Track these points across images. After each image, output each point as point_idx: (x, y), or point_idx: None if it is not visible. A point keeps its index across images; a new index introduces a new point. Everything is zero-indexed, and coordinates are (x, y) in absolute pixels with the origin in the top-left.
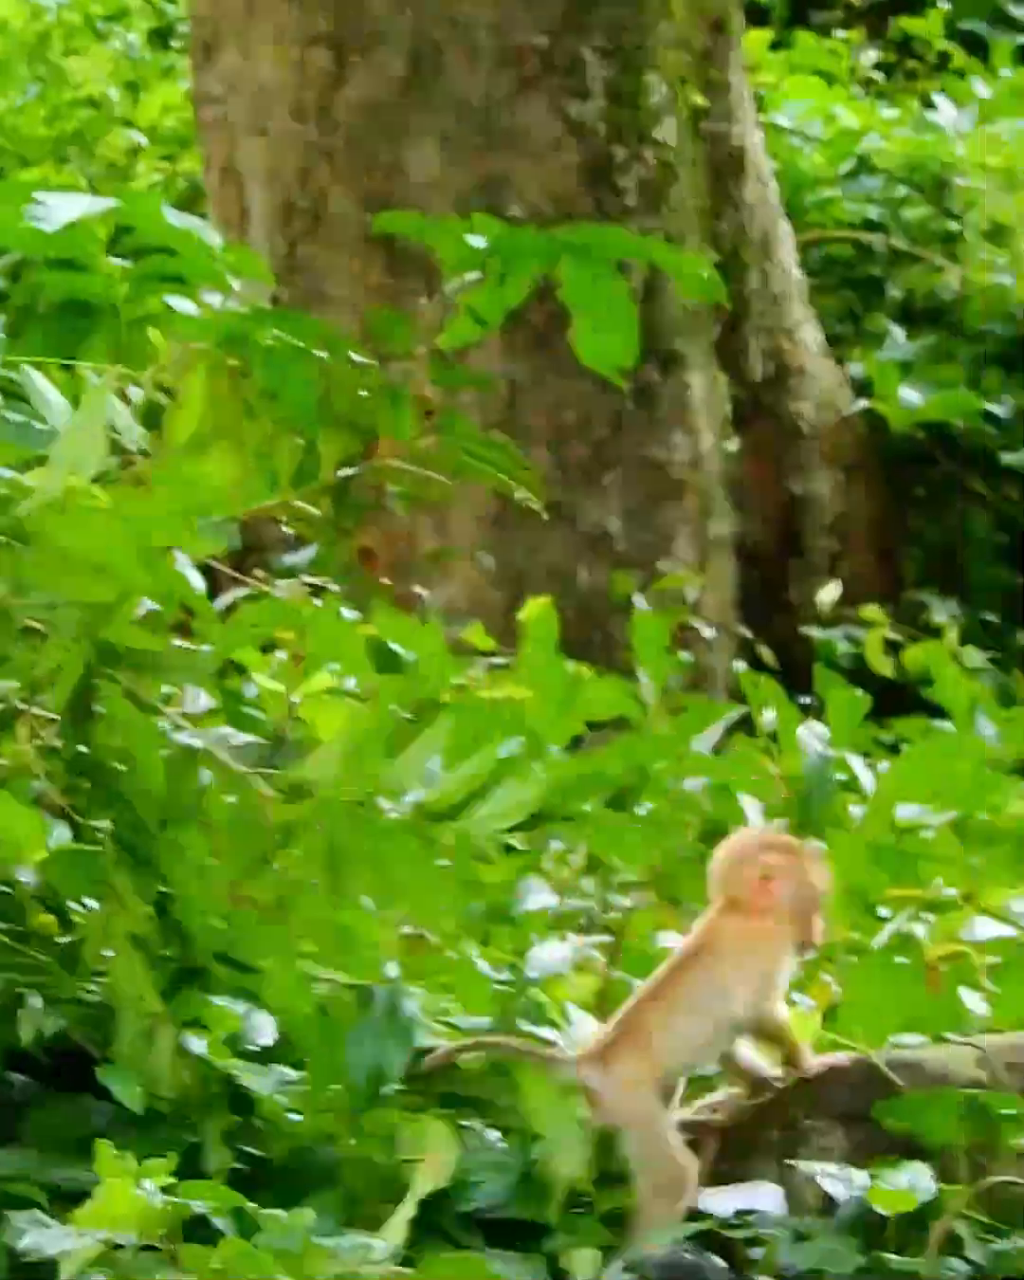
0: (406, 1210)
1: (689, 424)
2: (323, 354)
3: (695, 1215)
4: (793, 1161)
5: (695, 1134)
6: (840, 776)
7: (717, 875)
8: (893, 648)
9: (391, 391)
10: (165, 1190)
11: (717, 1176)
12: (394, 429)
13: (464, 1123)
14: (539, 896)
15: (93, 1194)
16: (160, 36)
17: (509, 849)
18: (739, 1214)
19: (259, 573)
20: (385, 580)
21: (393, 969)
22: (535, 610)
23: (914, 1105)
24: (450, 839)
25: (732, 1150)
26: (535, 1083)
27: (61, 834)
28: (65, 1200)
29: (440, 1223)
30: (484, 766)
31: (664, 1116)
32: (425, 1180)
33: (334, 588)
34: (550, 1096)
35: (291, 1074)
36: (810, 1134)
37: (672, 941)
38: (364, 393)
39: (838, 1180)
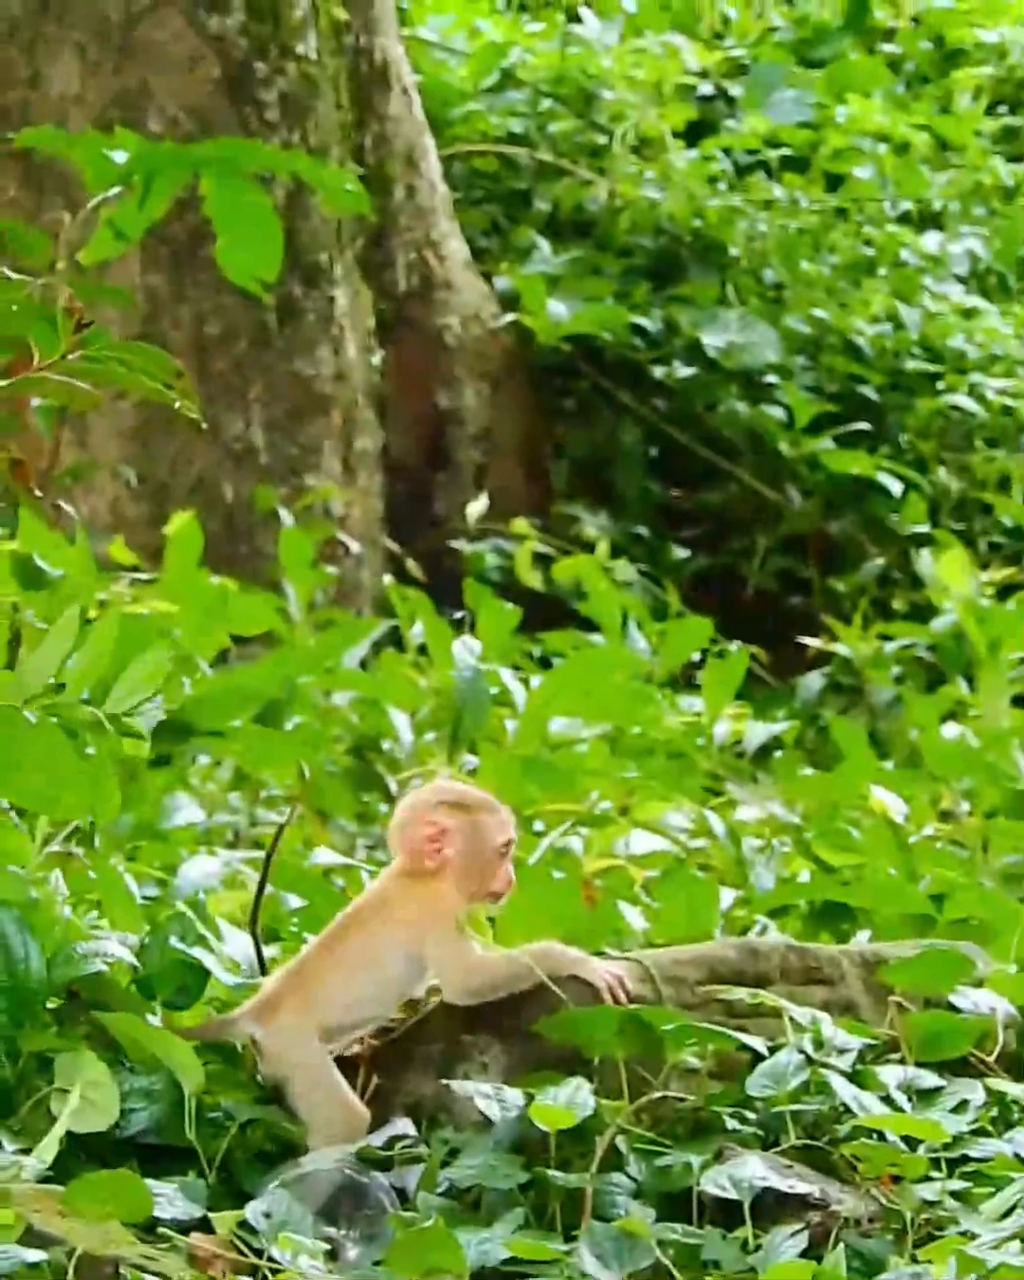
0: (57, 1131)
1: (334, 338)
2: None
3: None
4: (449, 1080)
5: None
6: (493, 690)
7: (392, 834)
8: (543, 561)
9: (40, 306)
10: None
11: (376, 1097)
12: (43, 341)
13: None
14: (187, 811)
15: None
16: None
17: (157, 763)
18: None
19: None
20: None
21: (56, 882)
22: (180, 524)
23: (575, 1020)
24: (89, 722)
25: (389, 1067)
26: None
27: None
28: None
29: (97, 1147)
30: (146, 674)
31: (327, 1066)
32: (79, 1114)
33: None
34: (157, 1031)
35: None
36: (471, 1050)
37: (323, 858)
38: (12, 307)
39: (492, 1099)
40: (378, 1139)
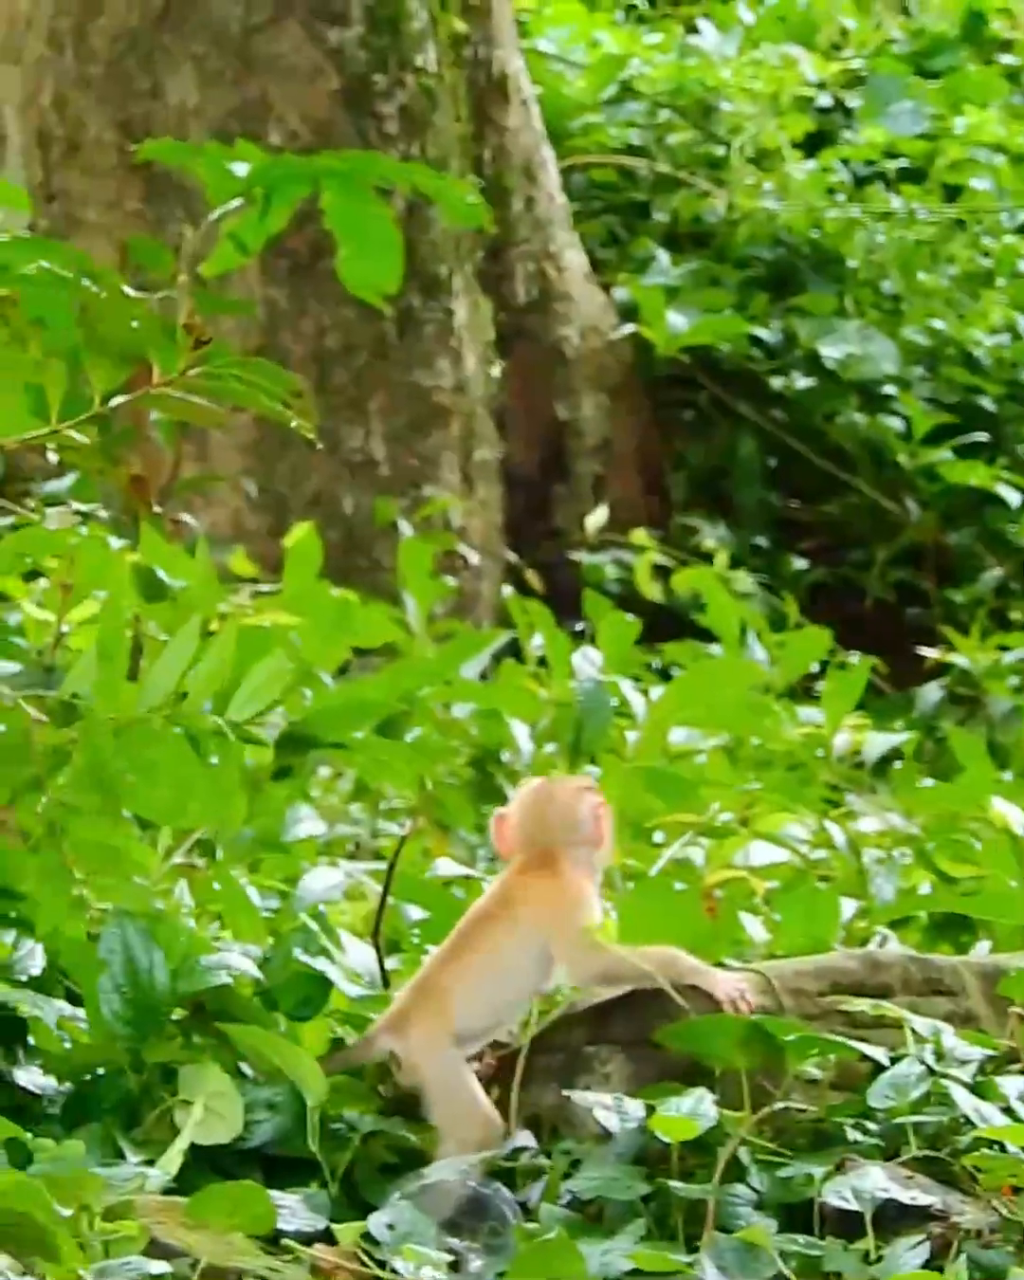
0: (181, 1143)
1: (453, 349)
2: (89, 283)
3: None
4: (571, 1092)
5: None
6: (613, 701)
7: (548, 822)
8: (662, 572)
9: (160, 320)
10: None
11: (501, 1106)
12: (163, 358)
13: (240, 1064)
14: (308, 824)
15: None
16: None
17: (278, 775)
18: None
19: (28, 502)
20: (154, 508)
21: (181, 893)
22: (299, 536)
23: (696, 1030)
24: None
25: (509, 1080)
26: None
27: None
28: None
29: (220, 1159)
30: (267, 683)
31: (463, 1074)
32: (203, 1126)
33: (101, 515)
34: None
35: (67, 1007)
36: (592, 1061)
37: (444, 869)
38: (133, 322)
39: (611, 1111)
40: (501, 1151)
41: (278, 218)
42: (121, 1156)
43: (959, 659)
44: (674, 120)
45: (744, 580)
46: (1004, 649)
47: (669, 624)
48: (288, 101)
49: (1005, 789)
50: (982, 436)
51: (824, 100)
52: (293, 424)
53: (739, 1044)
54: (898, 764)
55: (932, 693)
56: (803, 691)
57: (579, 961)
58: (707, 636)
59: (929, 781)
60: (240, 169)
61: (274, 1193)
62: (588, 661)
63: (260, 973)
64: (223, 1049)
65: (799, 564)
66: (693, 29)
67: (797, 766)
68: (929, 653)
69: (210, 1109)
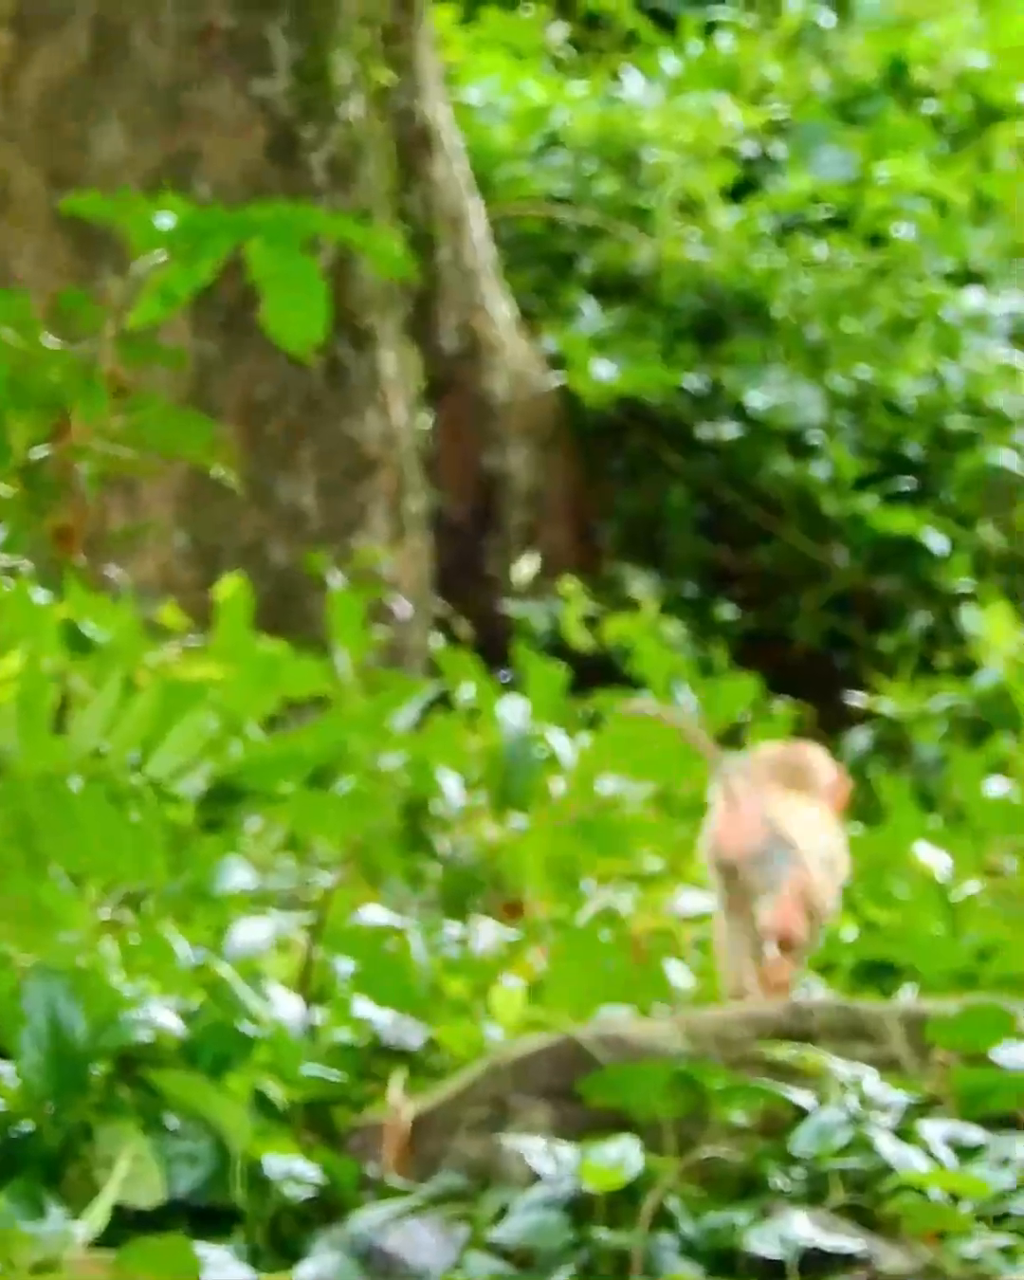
0: (105, 1201)
1: (382, 400)
2: (12, 334)
3: (403, 1193)
4: (501, 1138)
5: (373, 1138)
6: (541, 751)
7: (824, 768)
8: (591, 621)
9: (84, 371)
10: None
11: (421, 1159)
12: (87, 409)
13: (165, 1114)
14: (238, 876)
15: None
16: None
17: (209, 828)
18: (452, 1192)
19: None
20: (80, 559)
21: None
22: (229, 588)
23: (620, 1079)
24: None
25: (436, 1130)
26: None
27: None
28: None
29: (146, 1212)
30: (189, 738)
31: None
32: (128, 1184)
33: (25, 568)
34: (203, 1086)
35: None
36: (518, 1110)
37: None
38: (56, 373)
39: (544, 1156)
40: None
41: (204, 269)
42: (45, 1213)
43: (887, 706)
44: (600, 170)
45: (673, 628)
46: (931, 695)
47: (599, 672)
48: (216, 153)
49: (932, 835)
50: (908, 483)
51: (749, 149)
52: (217, 473)
53: (663, 1092)
54: None
55: (859, 739)
56: (732, 739)
57: None
58: (636, 685)
59: (856, 828)
60: (166, 221)
61: (200, 1245)
62: (513, 710)
63: (185, 1027)
64: (148, 1099)
65: (728, 612)
66: (619, 79)
67: None
68: (857, 699)
69: (133, 1170)
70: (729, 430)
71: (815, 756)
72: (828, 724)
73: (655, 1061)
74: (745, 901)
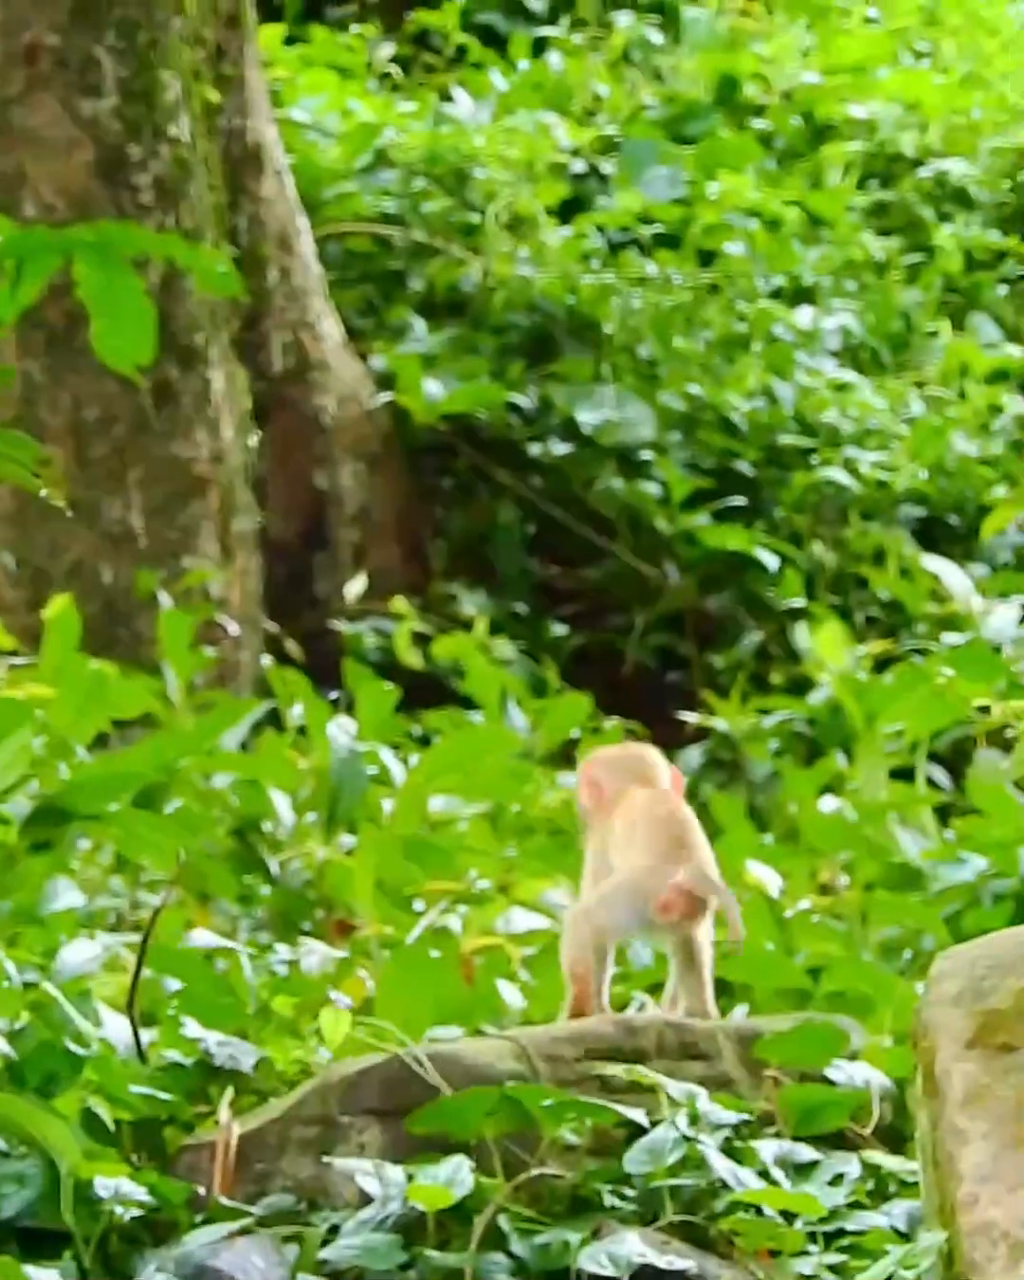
0: None
1: (210, 420)
2: None
3: (233, 1213)
4: (330, 1158)
5: (203, 1158)
6: (372, 770)
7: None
8: (422, 640)
9: None
10: None
11: (251, 1179)
12: None
13: None
14: (67, 896)
15: None
16: None
17: (37, 848)
18: (282, 1212)
19: None
20: None
21: None
22: (58, 609)
23: (444, 1108)
24: None
25: (265, 1150)
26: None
27: None
28: None
29: None
30: (14, 758)
31: None
32: None
33: None
34: (30, 1106)
35: None
36: (348, 1130)
37: (202, 940)
38: None
39: (373, 1177)
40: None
41: (30, 290)
42: None
43: (719, 723)
44: (429, 188)
45: (505, 647)
46: (763, 713)
47: (430, 692)
48: (43, 173)
49: (764, 852)
50: (739, 501)
51: (578, 167)
52: (42, 493)
53: (489, 1116)
54: None
55: (692, 757)
56: (564, 758)
57: None
58: (468, 704)
59: None
60: None
61: (28, 1267)
62: (342, 730)
63: (11, 1048)
64: None
65: (559, 630)
66: (447, 97)
67: (557, 833)
68: (690, 717)
69: None
70: (559, 448)
71: (652, 754)
72: (661, 742)
73: (479, 1089)
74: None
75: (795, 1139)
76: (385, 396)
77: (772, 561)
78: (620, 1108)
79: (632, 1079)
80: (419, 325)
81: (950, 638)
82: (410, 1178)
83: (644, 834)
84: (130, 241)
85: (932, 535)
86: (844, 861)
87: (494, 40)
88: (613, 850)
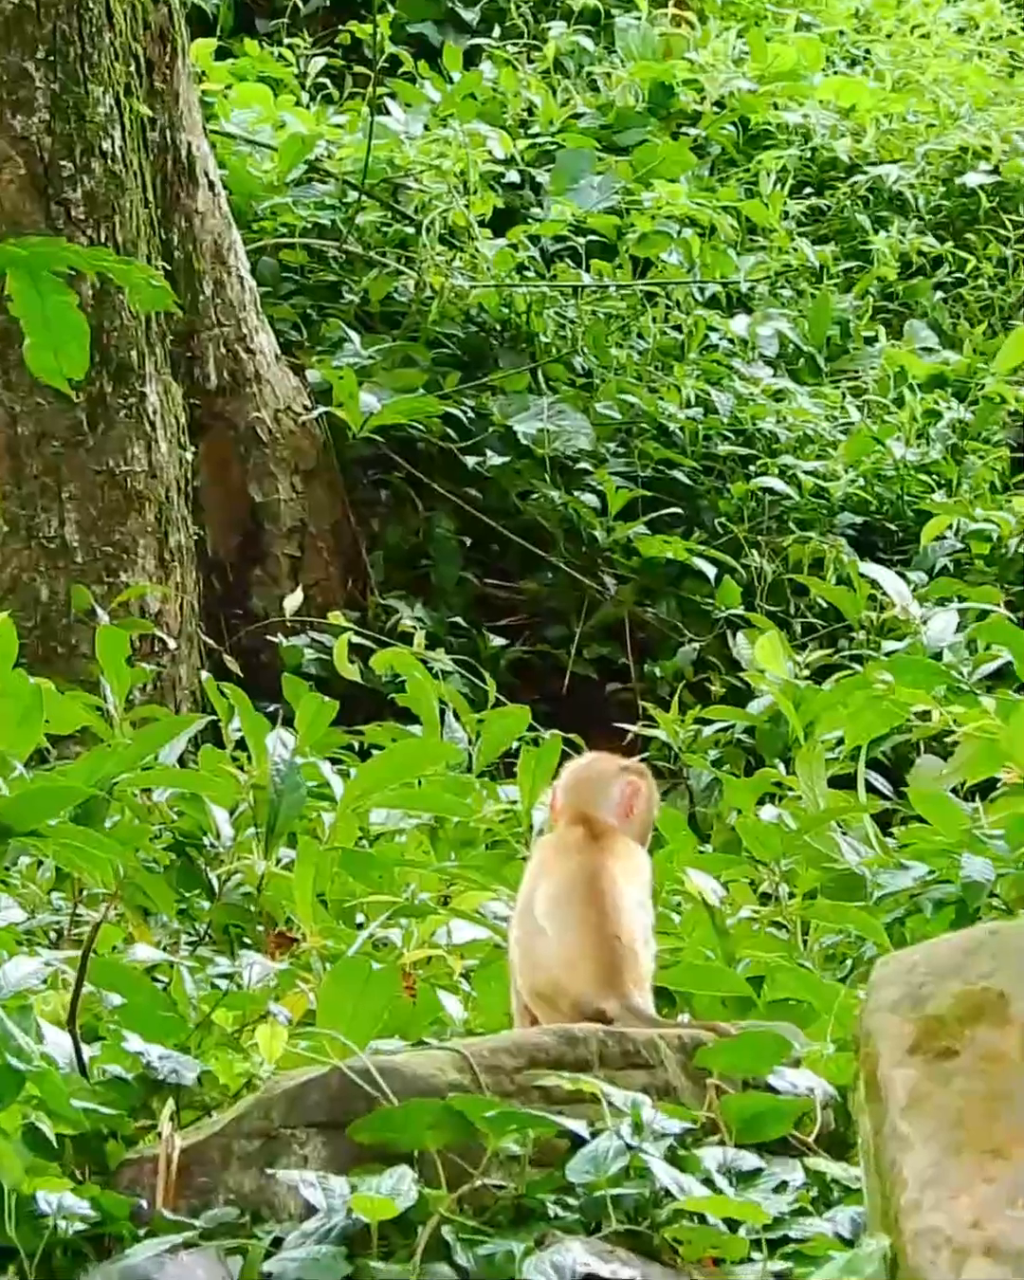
0: None
1: (146, 434)
2: None
3: (176, 1226)
4: (273, 1170)
5: (146, 1171)
6: (311, 783)
7: (577, 792)
8: (361, 653)
9: None
10: None
11: (194, 1192)
12: None
13: None
14: (8, 912)
15: None
16: None
17: None
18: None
19: None
20: None
21: None
22: None
23: (388, 1120)
24: None
25: (208, 1162)
26: None
27: None
28: None
29: None
30: None
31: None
32: None
33: None
34: None
35: None
36: (290, 1142)
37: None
38: None
39: (316, 1188)
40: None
41: None
42: None
43: (659, 733)
44: (363, 200)
45: (443, 659)
46: (703, 722)
47: (369, 705)
48: None
49: (705, 861)
50: (677, 510)
51: (513, 177)
52: None
53: (431, 1127)
54: None
55: None
56: (504, 770)
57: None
58: (407, 717)
59: None
60: None
61: None
62: (280, 743)
63: None
64: None
65: (498, 642)
66: (380, 109)
67: (497, 844)
68: (629, 727)
69: None
70: (496, 459)
71: (606, 775)
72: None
73: (421, 1100)
74: None
75: (738, 1147)
76: (321, 410)
77: (710, 571)
78: (563, 1118)
79: (574, 1089)
80: (354, 338)
81: (890, 645)
82: (353, 1189)
83: (560, 924)
84: (62, 257)
85: (870, 542)
86: (785, 870)
87: (427, 51)
88: (537, 898)
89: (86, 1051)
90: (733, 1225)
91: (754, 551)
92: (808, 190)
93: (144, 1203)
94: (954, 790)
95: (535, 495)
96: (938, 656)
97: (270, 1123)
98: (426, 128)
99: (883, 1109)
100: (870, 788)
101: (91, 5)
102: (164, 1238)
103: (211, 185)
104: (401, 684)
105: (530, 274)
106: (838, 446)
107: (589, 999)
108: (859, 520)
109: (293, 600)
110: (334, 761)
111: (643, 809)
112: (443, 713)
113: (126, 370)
